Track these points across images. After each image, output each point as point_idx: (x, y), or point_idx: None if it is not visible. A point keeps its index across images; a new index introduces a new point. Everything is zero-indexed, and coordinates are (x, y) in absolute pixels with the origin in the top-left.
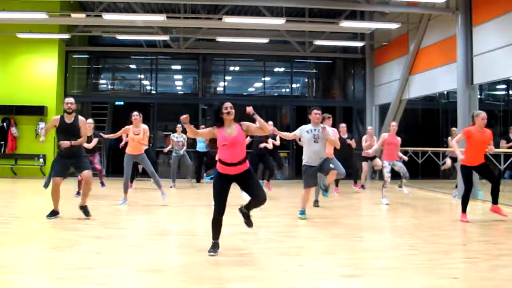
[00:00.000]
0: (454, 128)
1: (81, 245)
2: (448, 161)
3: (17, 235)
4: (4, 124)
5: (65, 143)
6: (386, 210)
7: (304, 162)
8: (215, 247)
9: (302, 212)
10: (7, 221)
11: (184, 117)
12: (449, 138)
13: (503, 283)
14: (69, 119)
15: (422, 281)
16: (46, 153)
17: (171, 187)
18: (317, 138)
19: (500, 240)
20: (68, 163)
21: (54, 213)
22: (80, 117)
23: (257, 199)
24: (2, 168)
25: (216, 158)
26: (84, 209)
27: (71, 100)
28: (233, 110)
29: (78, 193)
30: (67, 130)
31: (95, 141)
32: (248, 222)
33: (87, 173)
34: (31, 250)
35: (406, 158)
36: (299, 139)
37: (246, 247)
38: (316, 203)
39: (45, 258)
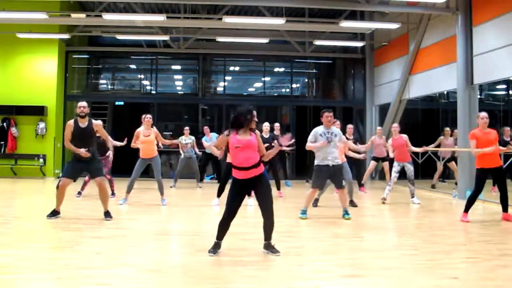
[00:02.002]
0: (447, 128)
1: (81, 245)
2: (439, 166)
3: (17, 235)
4: (4, 124)
5: (85, 154)
6: (386, 210)
7: (316, 162)
8: (216, 247)
9: (304, 212)
10: (7, 221)
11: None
12: (441, 137)
13: (504, 283)
14: (82, 123)
15: (422, 281)
16: (46, 153)
17: (171, 187)
18: (331, 140)
19: (501, 240)
20: (82, 167)
21: (54, 213)
22: (94, 121)
23: (266, 216)
24: (2, 168)
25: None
26: (106, 214)
27: (84, 104)
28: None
29: (79, 193)
30: (81, 134)
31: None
32: (274, 251)
33: (100, 179)
34: (31, 250)
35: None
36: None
37: (246, 247)
38: (315, 203)
39: (45, 258)
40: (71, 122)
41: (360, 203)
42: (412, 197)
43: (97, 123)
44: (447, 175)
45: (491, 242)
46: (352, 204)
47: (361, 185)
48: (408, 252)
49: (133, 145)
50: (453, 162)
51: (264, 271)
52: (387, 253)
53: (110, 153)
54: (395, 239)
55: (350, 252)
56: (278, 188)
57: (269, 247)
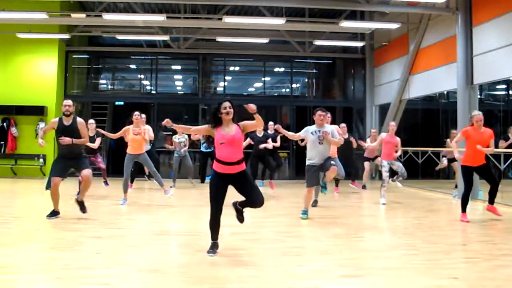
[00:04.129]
0: (453, 130)
1: (81, 245)
2: (445, 162)
3: (17, 235)
4: (4, 124)
5: (65, 140)
6: (386, 210)
7: (307, 162)
8: (214, 247)
9: (304, 212)
10: (7, 221)
11: (165, 122)
12: (448, 140)
13: (503, 283)
14: (67, 121)
15: (422, 281)
16: (46, 153)
17: (171, 187)
18: (322, 139)
19: (500, 240)
20: (68, 164)
21: (54, 213)
22: (79, 119)
23: (254, 203)
24: (2, 168)
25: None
26: (81, 204)
27: (69, 102)
28: (232, 110)
29: (79, 193)
30: (65, 132)
31: (98, 140)
32: (240, 218)
33: (86, 171)
34: (31, 250)
35: (397, 154)
36: (302, 140)
37: (246, 247)
38: (314, 203)
39: (45, 258)
40: (55, 120)
41: (360, 203)
42: (394, 181)
43: (80, 121)
44: (447, 175)
45: (491, 242)
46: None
47: (353, 180)
48: (408, 252)
49: (113, 135)
50: (456, 163)
51: (264, 271)
52: (387, 253)
53: (98, 140)
54: (395, 239)
55: (350, 252)
56: (270, 178)
57: (238, 210)
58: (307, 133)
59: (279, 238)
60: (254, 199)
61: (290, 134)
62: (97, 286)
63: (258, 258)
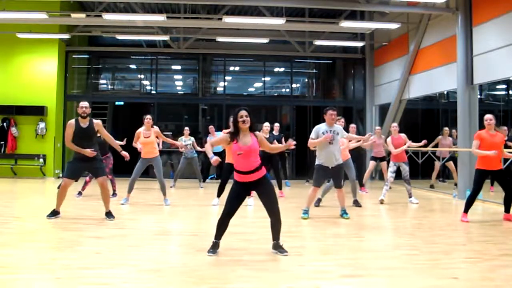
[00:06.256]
0: (445, 128)
1: (81, 245)
2: (437, 165)
3: (17, 235)
4: (4, 124)
5: (91, 153)
6: (386, 210)
7: (317, 161)
8: (215, 247)
9: (306, 212)
10: (7, 221)
11: (214, 162)
12: (439, 137)
13: (503, 283)
14: (84, 123)
15: (422, 281)
16: (46, 153)
17: (171, 187)
18: (332, 139)
19: (500, 240)
20: (83, 167)
21: (54, 213)
22: (95, 120)
23: (270, 214)
24: (2, 168)
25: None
26: (108, 214)
27: (86, 104)
28: (248, 119)
29: (79, 193)
30: (83, 134)
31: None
32: (283, 251)
33: (102, 179)
34: (31, 250)
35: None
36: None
37: (246, 247)
38: (317, 203)
39: (45, 258)
40: (72, 122)
41: (360, 203)
42: (410, 197)
43: (98, 122)
44: (447, 175)
45: (491, 242)
46: (356, 204)
47: (361, 185)
48: (408, 252)
49: (134, 144)
50: (451, 162)
51: (264, 271)
52: (387, 253)
53: (109, 154)
54: (395, 239)
55: (351, 252)
56: (280, 188)
57: (277, 247)
58: (318, 133)
59: (280, 237)
60: (269, 210)
61: (310, 142)
62: (97, 286)
63: (258, 258)
